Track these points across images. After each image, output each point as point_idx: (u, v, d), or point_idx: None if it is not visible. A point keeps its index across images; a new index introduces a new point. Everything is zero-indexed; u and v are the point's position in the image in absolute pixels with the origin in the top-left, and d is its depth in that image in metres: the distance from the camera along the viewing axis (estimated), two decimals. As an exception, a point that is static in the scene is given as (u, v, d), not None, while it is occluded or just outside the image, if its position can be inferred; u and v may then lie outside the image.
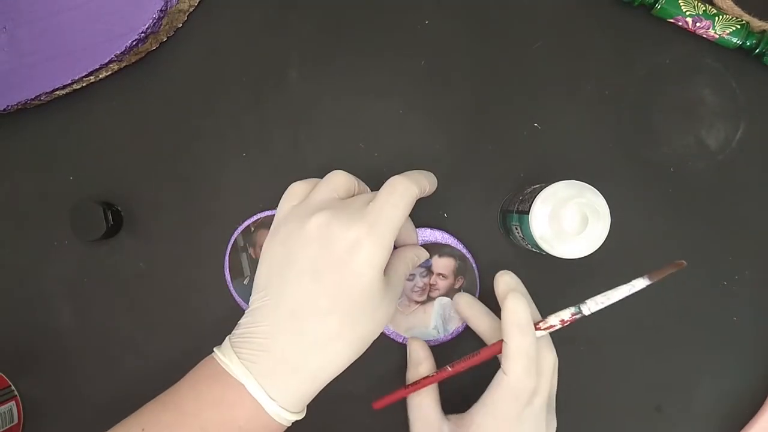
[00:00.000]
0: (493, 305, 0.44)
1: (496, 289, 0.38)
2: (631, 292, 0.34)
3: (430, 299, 0.43)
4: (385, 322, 0.36)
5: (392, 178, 0.36)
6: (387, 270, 0.36)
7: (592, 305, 0.35)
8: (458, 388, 0.41)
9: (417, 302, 0.43)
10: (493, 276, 0.44)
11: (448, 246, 0.43)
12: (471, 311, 0.41)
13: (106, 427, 0.42)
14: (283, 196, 0.39)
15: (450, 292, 0.43)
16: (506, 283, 0.37)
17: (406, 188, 0.36)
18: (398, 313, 0.43)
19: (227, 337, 0.36)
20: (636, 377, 0.44)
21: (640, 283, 0.34)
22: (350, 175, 0.38)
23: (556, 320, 0.36)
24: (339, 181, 0.38)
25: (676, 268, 0.34)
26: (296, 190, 0.38)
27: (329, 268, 0.34)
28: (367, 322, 0.35)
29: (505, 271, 0.38)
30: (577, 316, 0.35)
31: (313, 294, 0.34)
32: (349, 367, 0.44)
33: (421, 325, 0.43)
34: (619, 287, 0.34)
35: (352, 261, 0.34)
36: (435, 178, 0.40)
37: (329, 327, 0.34)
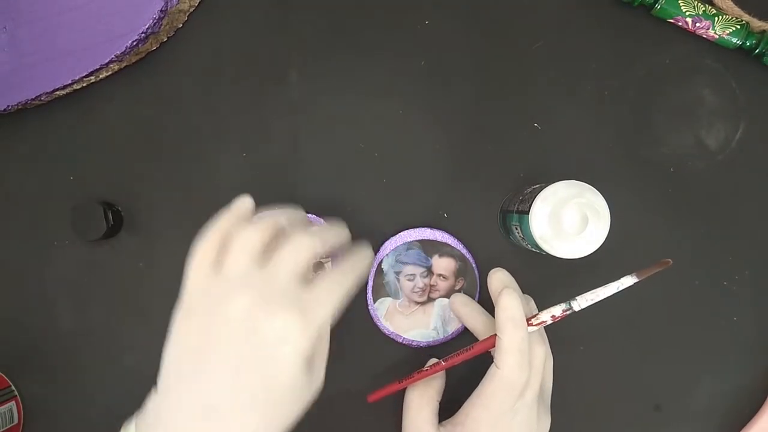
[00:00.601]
0: (493, 306, 0.44)
1: (489, 286, 0.38)
2: (619, 290, 0.35)
3: (430, 300, 0.43)
4: (307, 404, 0.33)
5: (334, 269, 0.34)
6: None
7: (582, 302, 0.35)
8: (448, 389, 0.41)
9: (417, 303, 0.43)
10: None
11: (448, 246, 0.43)
12: (466, 309, 0.41)
13: (106, 428, 0.42)
14: (191, 257, 0.34)
15: (450, 294, 0.43)
16: (499, 279, 0.37)
17: (346, 280, 0.33)
18: (398, 314, 0.43)
19: (133, 419, 0.33)
20: (635, 377, 0.44)
21: (627, 281, 0.35)
22: (261, 225, 0.34)
23: (547, 316, 0.36)
24: (253, 239, 0.33)
25: (663, 267, 0.35)
26: (205, 250, 0.34)
27: (252, 362, 0.31)
28: (288, 412, 0.32)
29: (498, 268, 0.38)
30: (568, 312, 0.36)
31: (232, 389, 0.31)
32: (349, 365, 0.44)
33: (420, 326, 0.43)
34: (607, 284, 0.35)
35: (279, 354, 0.31)
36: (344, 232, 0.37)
37: (248, 423, 0.31)
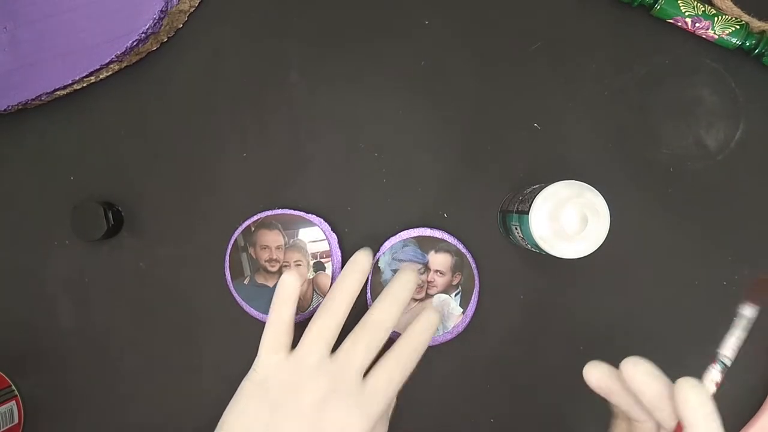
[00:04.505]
0: (493, 303, 0.44)
1: (639, 388, 0.32)
2: (750, 324, 0.33)
3: (428, 296, 0.43)
4: None
5: (396, 349, 0.37)
6: None
7: (729, 353, 0.33)
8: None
9: (415, 300, 0.43)
10: (493, 275, 0.44)
11: (444, 241, 0.43)
12: (610, 384, 0.33)
13: (105, 428, 0.42)
14: (264, 334, 0.38)
15: (448, 289, 0.43)
16: (647, 373, 0.32)
17: (405, 368, 0.37)
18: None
19: None
20: (635, 377, 0.44)
21: (750, 313, 0.33)
22: (336, 312, 0.37)
23: (712, 386, 0.33)
24: (329, 327, 0.37)
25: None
26: (276, 330, 0.37)
27: None
28: None
29: (633, 358, 0.32)
30: (725, 372, 0.33)
31: None
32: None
33: (420, 325, 0.43)
34: (737, 324, 0.33)
35: None
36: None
37: None
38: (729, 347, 0.34)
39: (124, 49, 0.42)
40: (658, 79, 0.44)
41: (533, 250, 0.39)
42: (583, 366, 0.44)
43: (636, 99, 0.44)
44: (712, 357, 0.33)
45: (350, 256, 0.44)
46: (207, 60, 0.45)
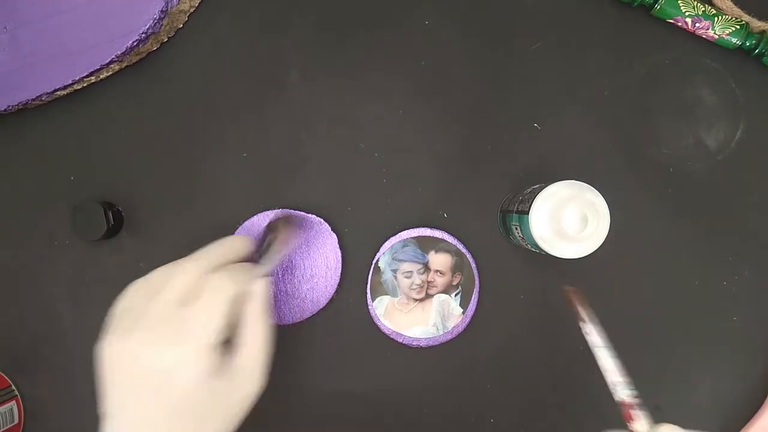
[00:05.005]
0: (493, 303, 0.44)
1: None
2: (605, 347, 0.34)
3: (428, 296, 0.43)
4: (238, 407, 0.35)
5: (211, 276, 0.35)
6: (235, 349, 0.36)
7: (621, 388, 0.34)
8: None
9: (415, 300, 0.43)
10: (493, 275, 0.44)
11: (444, 241, 0.43)
12: None
13: (106, 427, 0.42)
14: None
15: (448, 289, 0.43)
16: None
17: (225, 288, 0.35)
18: (397, 311, 0.43)
19: None
20: (635, 377, 0.44)
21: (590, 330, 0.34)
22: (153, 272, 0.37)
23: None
24: (139, 282, 0.37)
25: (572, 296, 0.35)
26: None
27: (157, 389, 0.34)
28: (216, 421, 0.34)
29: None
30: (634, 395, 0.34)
31: (148, 412, 0.34)
32: (348, 364, 0.44)
33: (420, 323, 0.43)
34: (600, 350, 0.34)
35: (176, 381, 0.33)
36: (242, 242, 0.39)
37: None
38: (613, 374, 0.34)
39: (124, 49, 0.42)
40: (659, 79, 0.44)
41: (533, 250, 0.39)
42: (583, 366, 0.44)
43: (636, 99, 0.44)
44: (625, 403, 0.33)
45: (350, 257, 0.44)
46: (207, 60, 0.45)
